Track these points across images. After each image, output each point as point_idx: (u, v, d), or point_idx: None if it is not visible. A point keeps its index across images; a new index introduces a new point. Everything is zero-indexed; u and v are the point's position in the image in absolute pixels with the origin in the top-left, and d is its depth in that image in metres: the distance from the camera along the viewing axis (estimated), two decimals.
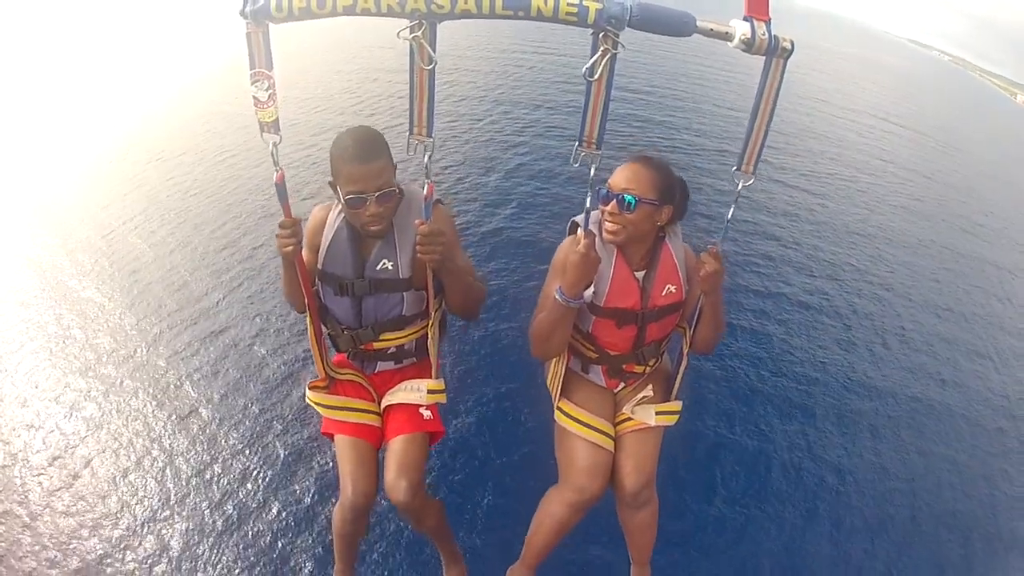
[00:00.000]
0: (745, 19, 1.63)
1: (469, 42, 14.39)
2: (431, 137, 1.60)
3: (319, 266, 1.97)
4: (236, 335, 4.58)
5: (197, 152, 7.99)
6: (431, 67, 1.49)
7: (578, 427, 1.99)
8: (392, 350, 2.12)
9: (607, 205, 1.88)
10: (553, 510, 1.97)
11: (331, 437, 2.09)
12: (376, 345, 2.09)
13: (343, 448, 2.01)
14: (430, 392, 2.07)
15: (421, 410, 2.04)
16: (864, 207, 8.40)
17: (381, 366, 2.18)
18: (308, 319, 1.97)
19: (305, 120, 8.99)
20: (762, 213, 7.23)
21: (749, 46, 1.61)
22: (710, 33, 1.62)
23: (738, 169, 1.75)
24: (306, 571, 3.01)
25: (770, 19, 1.66)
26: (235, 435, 3.76)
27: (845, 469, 3.86)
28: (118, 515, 3.32)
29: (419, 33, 1.44)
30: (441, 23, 1.45)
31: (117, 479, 3.53)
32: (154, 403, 4.01)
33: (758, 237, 6.57)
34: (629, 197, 1.84)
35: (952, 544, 3.58)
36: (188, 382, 4.18)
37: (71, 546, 3.17)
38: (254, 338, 4.51)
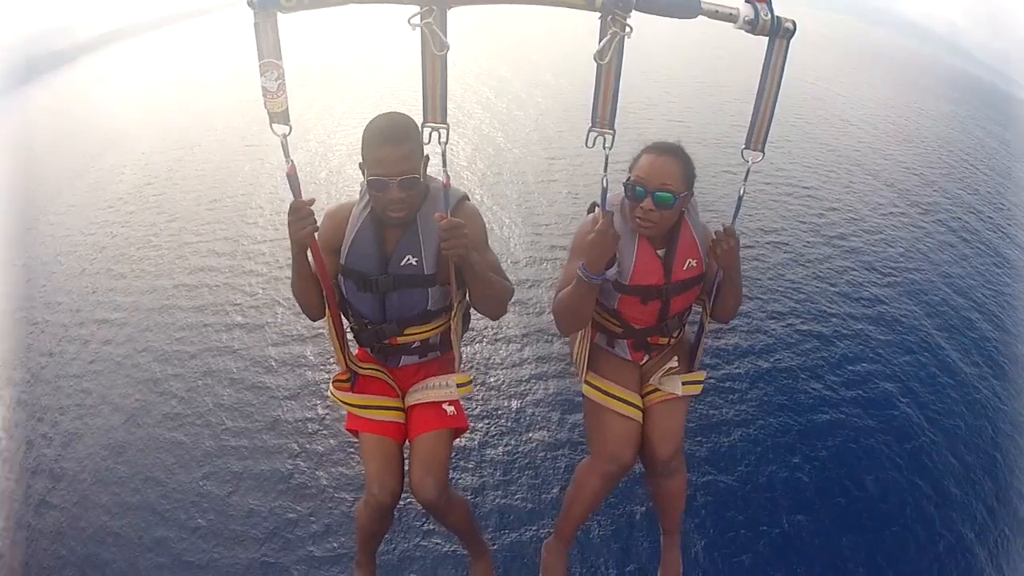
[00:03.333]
0: (747, 1, 1.66)
1: (476, 28, 14.76)
2: (446, 123, 1.57)
3: (342, 261, 1.91)
4: (269, 313, 4.73)
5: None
6: (443, 53, 1.46)
7: (608, 399, 2.01)
8: (416, 344, 2.08)
9: (642, 201, 1.84)
10: (586, 481, 2.00)
11: (355, 434, 2.06)
12: (400, 340, 2.05)
13: (368, 446, 1.98)
14: (459, 386, 2.06)
15: (444, 406, 2.02)
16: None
17: (405, 360, 2.13)
18: (327, 311, 1.92)
19: (319, 111, 9.37)
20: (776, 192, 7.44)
21: (753, 26, 1.64)
22: (715, 15, 1.63)
23: (747, 147, 1.78)
24: (325, 558, 3.00)
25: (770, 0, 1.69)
26: (257, 418, 3.82)
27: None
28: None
29: (430, 19, 1.42)
30: (451, 9, 1.44)
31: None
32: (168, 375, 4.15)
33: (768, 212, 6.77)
34: (667, 195, 1.82)
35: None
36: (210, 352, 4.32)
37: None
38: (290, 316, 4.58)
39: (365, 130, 1.74)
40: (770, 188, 7.66)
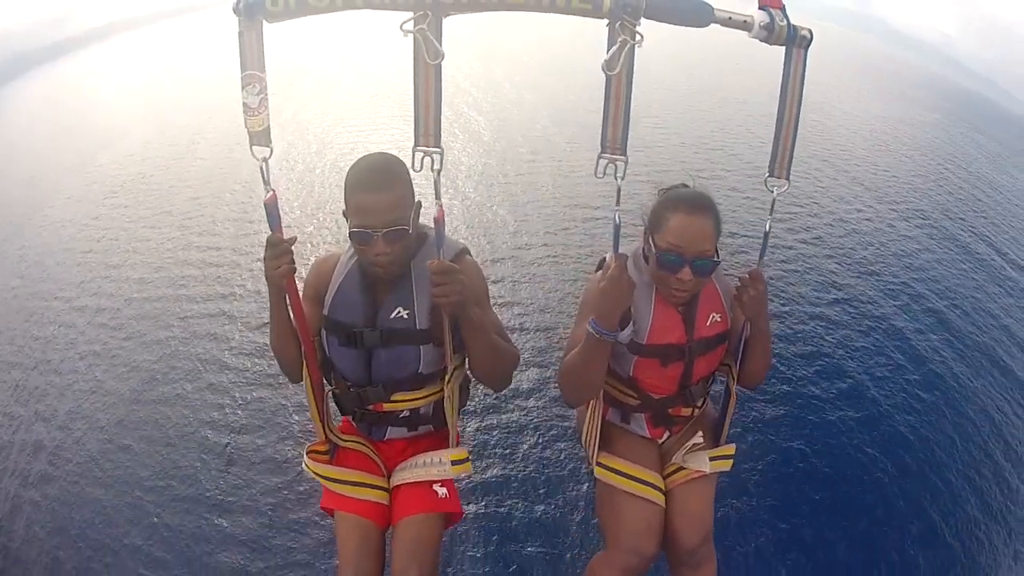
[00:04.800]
0: (761, 8, 1.57)
1: (470, 40, 14.38)
2: (439, 147, 1.39)
3: (325, 312, 1.70)
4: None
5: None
6: (438, 62, 1.35)
7: (625, 481, 1.77)
8: (405, 414, 1.82)
9: (678, 271, 1.64)
10: None
11: (331, 513, 1.81)
12: (386, 407, 1.79)
13: (344, 527, 1.73)
14: (454, 463, 1.77)
15: (435, 487, 1.77)
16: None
17: (392, 432, 1.87)
18: (305, 370, 1.68)
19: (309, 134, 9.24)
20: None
21: (769, 33, 1.54)
22: (728, 22, 1.54)
23: (771, 175, 1.60)
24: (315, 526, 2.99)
25: (784, 6, 1.60)
26: (251, 400, 3.89)
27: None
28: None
29: (424, 25, 1.31)
30: (447, 17, 1.34)
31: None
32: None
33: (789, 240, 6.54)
34: (707, 263, 1.64)
35: None
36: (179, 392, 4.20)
37: None
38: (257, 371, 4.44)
39: (348, 174, 1.56)
40: (753, 189, 7.52)
